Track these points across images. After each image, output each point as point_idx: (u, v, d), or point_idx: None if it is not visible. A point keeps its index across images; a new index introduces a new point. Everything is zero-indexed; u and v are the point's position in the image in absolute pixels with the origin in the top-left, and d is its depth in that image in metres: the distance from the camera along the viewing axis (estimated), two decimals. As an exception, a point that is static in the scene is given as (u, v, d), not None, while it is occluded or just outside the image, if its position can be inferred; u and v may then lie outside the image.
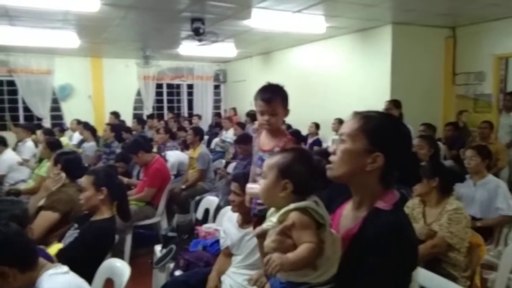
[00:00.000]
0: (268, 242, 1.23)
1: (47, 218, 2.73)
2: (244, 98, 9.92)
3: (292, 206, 1.24)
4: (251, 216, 2.03)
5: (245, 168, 3.62)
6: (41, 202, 2.96)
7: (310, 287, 1.23)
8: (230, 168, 5.25)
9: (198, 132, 5.44)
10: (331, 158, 1.28)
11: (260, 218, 1.69)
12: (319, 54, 7.78)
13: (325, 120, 7.14)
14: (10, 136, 6.65)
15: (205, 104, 11.16)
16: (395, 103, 5.40)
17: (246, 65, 10.17)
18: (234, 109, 10.21)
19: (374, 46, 6.55)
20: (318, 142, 6.92)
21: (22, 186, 4.97)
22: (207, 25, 5.69)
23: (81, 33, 6.67)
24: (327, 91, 7.52)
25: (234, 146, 6.21)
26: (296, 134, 5.56)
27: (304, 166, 1.29)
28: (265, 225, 1.30)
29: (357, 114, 1.30)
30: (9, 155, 5.54)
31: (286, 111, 2.09)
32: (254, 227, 1.68)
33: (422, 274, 1.98)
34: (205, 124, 9.88)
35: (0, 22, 5.89)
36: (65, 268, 1.55)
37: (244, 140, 4.65)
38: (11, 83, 9.22)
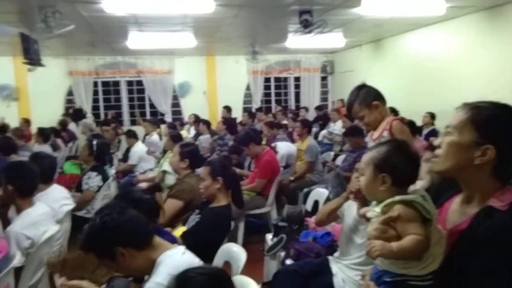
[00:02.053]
0: (370, 229, 1.26)
1: (173, 205, 3.04)
2: (352, 89, 9.64)
3: (397, 198, 1.24)
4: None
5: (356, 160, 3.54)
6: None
7: (406, 280, 1.23)
8: (339, 161, 5.18)
9: (306, 124, 5.48)
10: (437, 151, 1.23)
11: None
12: (436, 38, 7.15)
13: (442, 110, 6.55)
14: (139, 130, 7.50)
15: (312, 96, 11.12)
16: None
17: (355, 55, 9.84)
18: (342, 100, 9.97)
19: (505, 25, 5.77)
20: (434, 133, 6.40)
21: (150, 175, 5.60)
22: (315, 16, 5.65)
23: (197, 33, 7.18)
24: (445, 78, 6.87)
25: (342, 138, 6.10)
26: (410, 125, 5.21)
27: (400, 158, 1.28)
28: (369, 214, 1.33)
29: (466, 105, 1.22)
30: (139, 147, 6.28)
31: (372, 106, 2.24)
32: None
33: None
34: (311, 117, 9.85)
35: (131, 29, 6.66)
36: (182, 249, 1.68)
37: (353, 132, 4.54)
38: (139, 83, 10.38)
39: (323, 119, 8.62)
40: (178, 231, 2.66)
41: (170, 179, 4.42)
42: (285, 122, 8.07)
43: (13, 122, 8.45)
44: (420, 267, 1.21)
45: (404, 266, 1.23)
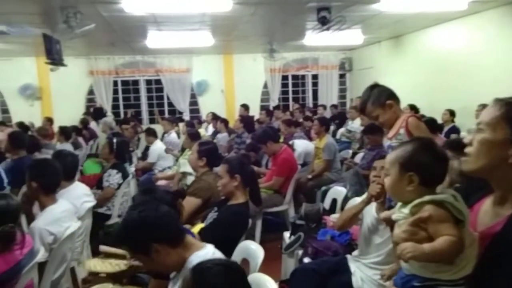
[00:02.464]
0: (399, 232, 1.21)
1: (191, 203, 3.06)
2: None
3: (427, 198, 1.19)
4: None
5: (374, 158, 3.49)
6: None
7: (437, 284, 1.18)
8: (358, 159, 5.12)
9: (323, 122, 5.44)
10: (467, 149, 1.17)
11: None
12: (458, 34, 6.99)
13: (464, 106, 6.40)
14: (157, 128, 7.58)
15: (330, 94, 11.04)
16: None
17: (374, 52, 9.71)
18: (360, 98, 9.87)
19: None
20: (455, 130, 6.26)
21: (168, 172, 5.67)
22: (333, 13, 5.60)
23: (215, 32, 7.21)
24: (467, 74, 6.71)
25: (361, 136, 6.03)
26: (430, 123, 5.11)
27: (427, 156, 1.24)
28: (395, 216, 1.28)
29: (498, 101, 1.16)
30: (158, 145, 6.35)
31: (386, 106, 2.24)
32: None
33: None
34: (329, 115, 9.78)
35: (150, 28, 6.74)
36: (212, 249, 1.69)
37: (372, 130, 4.48)
38: (158, 82, 10.50)
39: (340, 118, 8.54)
40: (197, 228, 2.68)
41: (190, 179, 4.47)
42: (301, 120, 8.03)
43: (36, 121, 8.68)
44: (453, 272, 1.16)
45: (436, 270, 1.18)
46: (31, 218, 2.71)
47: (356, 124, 7.06)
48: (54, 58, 5.92)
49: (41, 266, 2.30)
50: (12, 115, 9.68)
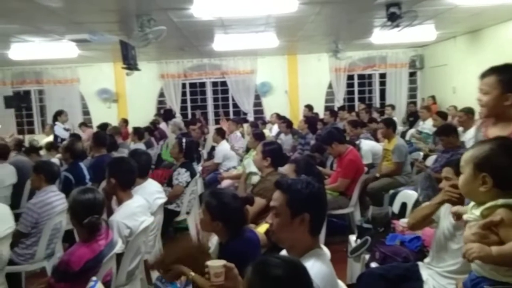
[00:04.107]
0: (468, 234, 1.19)
1: (256, 203, 3.09)
2: (445, 85, 8.96)
3: (500, 201, 1.15)
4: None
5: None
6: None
7: None
8: (429, 162, 4.86)
9: (389, 123, 5.22)
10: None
11: None
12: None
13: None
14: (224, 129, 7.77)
15: (398, 93, 10.58)
16: None
17: (448, 48, 9.13)
18: (433, 97, 9.34)
19: None
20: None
21: (233, 172, 5.80)
22: (404, 8, 5.35)
23: (279, 33, 7.24)
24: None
25: (433, 138, 5.72)
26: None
27: (504, 158, 1.19)
28: (466, 216, 1.25)
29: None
30: (224, 145, 6.52)
31: (506, 95, 1.68)
32: None
33: None
34: (398, 115, 9.37)
35: (217, 32, 6.94)
36: (329, 255, 1.71)
37: (446, 131, 4.23)
38: (224, 83, 10.78)
39: (414, 116, 8.15)
40: (262, 228, 2.71)
41: (255, 179, 4.53)
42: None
43: (113, 122, 9.33)
44: None
45: (508, 274, 1.14)
46: (109, 212, 2.92)
47: (427, 125, 6.71)
48: (130, 63, 6.32)
49: (118, 257, 2.47)
50: (92, 116, 10.52)
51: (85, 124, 9.46)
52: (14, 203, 4.30)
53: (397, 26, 5.56)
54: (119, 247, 2.42)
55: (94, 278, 1.88)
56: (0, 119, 9.96)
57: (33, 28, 5.81)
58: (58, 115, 7.94)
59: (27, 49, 7.18)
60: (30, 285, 3.21)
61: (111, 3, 4.88)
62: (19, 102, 8.62)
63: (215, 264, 1.49)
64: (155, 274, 3.11)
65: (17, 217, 3.18)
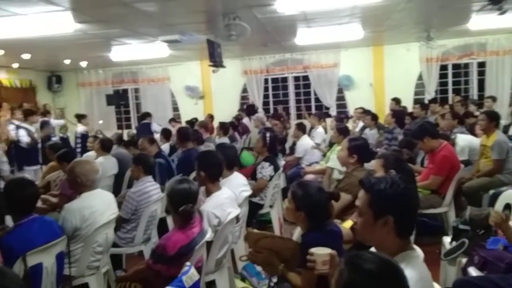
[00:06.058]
0: None
1: (342, 198, 3.02)
2: None
3: None
4: None
5: None
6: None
7: None
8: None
9: (493, 116, 4.73)
10: None
11: None
12: None
13: None
14: (304, 123, 7.73)
15: (501, 83, 9.55)
16: None
17: (562, 30, 8.02)
18: (542, 87, 8.29)
19: None
20: None
21: (316, 167, 5.74)
22: (509, -11, 4.82)
23: (365, 24, 6.97)
24: None
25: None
26: None
27: None
28: None
29: None
30: (306, 140, 6.49)
31: None
32: None
33: None
34: (500, 108, 8.46)
35: (300, 26, 6.91)
36: (422, 256, 1.62)
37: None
38: (306, 78, 10.70)
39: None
40: (347, 223, 2.65)
41: (336, 174, 4.46)
42: (477, 113, 7.00)
43: (200, 117, 9.81)
44: None
45: None
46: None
47: (535, 118, 5.97)
48: (216, 60, 6.57)
49: (208, 245, 2.60)
50: (181, 112, 11.17)
51: (175, 119, 10.08)
52: (115, 192, 4.74)
53: (500, 9, 5.01)
54: (209, 235, 2.55)
55: (188, 263, 2.00)
56: (102, 115, 11.08)
57: (131, 31, 6.33)
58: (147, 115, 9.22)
59: (125, 51, 7.88)
60: (129, 265, 3.53)
61: (200, 4, 5.12)
62: (119, 100, 9.44)
63: (321, 252, 1.47)
64: (241, 264, 3.23)
65: (118, 204, 3.50)
